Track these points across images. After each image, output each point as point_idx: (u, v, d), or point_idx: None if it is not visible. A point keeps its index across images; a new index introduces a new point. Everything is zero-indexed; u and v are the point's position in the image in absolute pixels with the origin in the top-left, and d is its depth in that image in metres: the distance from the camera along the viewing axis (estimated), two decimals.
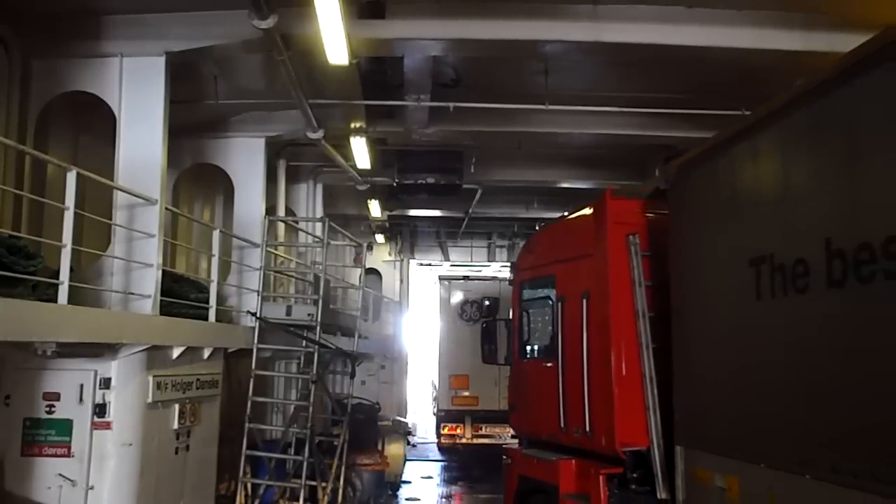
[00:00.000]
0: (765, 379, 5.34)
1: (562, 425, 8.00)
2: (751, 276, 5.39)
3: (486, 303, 12.06)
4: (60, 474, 7.71)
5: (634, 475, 7.05)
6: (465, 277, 19.81)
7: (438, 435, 18.39)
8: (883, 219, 4.23)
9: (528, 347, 9.29)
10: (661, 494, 6.59)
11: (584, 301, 7.65)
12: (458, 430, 17.70)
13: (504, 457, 9.44)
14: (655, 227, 7.34)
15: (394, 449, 15.55)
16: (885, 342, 4.14)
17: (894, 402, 4.04)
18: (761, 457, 5.23)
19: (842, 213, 4.55)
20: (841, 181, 4.65)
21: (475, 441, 17.41)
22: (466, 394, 17.62)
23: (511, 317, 9.79)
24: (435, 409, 19.68)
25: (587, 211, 8.11)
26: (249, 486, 11.11)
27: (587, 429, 7.51)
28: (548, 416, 8.24)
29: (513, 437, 10.53)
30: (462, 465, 18.65)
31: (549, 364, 8.36)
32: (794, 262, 4.90)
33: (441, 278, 19.25)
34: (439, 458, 20.43)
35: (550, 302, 8.53)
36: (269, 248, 11.95)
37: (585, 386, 7.56)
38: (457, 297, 18.44)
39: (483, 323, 11.28)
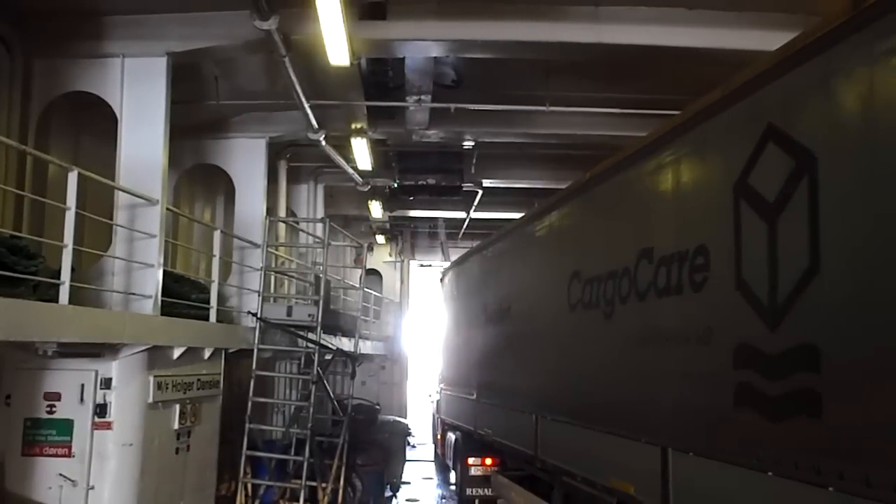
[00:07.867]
0: (462, 361, 13.81)
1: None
2: (458, 321, 14.55)
3: None
4: (61, 474, 7.73)
5: None
6: None
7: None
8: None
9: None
10: None
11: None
12: None
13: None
14: None
15: (394, 449, 15.51)
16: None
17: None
18: (461, 391, 13.49)
19: (483, 304, 12.25)
20: (480, 292, 12.70)
21: None
22: None
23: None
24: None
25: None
26: (250, 486, 11.12)
27: None
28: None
29: None
30: None
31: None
32: (467, 317, 13.62)
33: None
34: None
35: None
36: (269, 249, 11.96)
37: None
38: None
39: None
